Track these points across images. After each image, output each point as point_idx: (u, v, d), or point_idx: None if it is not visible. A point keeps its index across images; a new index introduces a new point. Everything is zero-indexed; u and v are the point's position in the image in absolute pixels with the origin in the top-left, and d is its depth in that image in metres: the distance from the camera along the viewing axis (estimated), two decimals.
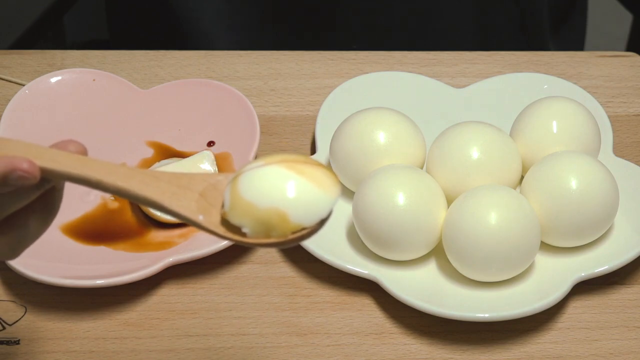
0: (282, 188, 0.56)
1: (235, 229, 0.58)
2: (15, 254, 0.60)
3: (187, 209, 0.58)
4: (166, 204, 0.58)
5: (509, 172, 0.82)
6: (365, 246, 0.80)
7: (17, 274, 0.77)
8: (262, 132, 0.89)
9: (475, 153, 0.82)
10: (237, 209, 0.57)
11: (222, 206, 0.58)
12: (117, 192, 0.58)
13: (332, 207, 0.57)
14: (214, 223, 0.58)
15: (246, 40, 1.11)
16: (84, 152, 0.59)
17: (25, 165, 0.56)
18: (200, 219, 0.58)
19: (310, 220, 0.57)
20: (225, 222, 0.58)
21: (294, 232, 0.57)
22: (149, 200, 0.58)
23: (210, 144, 0.89)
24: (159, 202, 0.58)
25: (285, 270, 0.81)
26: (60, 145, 0.58)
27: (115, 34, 1.22)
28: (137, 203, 0.58)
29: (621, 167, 0.85)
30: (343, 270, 0.78)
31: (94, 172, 0.57)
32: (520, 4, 1.13)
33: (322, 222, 0.57)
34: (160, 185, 0.58)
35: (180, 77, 0.96)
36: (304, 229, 0.57)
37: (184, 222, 0.82)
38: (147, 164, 0.88)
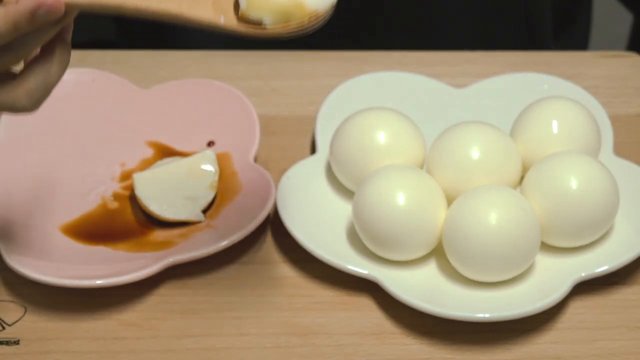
0: None
1: (253, 27, 0.65)
2: (35, 104, 0.63)
3: (207, 15, 0.64)
4: (185, 14, 0.63)
5: (509, 172, 0.82)
6: (365, 246, 0.80)
7: (17, 274, 0.77)
8: (262, 132, 0.89)
9: (475, 153, 0.82)
10: (255, 4, 0.64)
11: (236, 8, 0.65)
12: (138, 13, 0.63)
13: None
14: (234, 23, 0.65)
15: (246, 40, 1.11)
16: None
17: (50, 0, 0.60)
18: (222, 20, 0.64)
19: (322, 5, 0.66)
20: (243, 21, 0.65)
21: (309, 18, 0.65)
22: (169, 13, 0.63)
23: (210, 144, 0.89)
24: (179, 13, 0.63)
25: (285, 270, 0.81)
26: None
27: (115, 34, 1.22)
28: (158, 19, 0.64)
29: (621, 167, 0.85)
30: (343, 270, 0.78)
31: None
32: (522, 4, 1.13)
33: (332, 7, 0.66)
34: None
35: (180, 77, 0.96)
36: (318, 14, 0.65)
37: (183, 222, 0.83)
38: (147, 163, 0.88)
